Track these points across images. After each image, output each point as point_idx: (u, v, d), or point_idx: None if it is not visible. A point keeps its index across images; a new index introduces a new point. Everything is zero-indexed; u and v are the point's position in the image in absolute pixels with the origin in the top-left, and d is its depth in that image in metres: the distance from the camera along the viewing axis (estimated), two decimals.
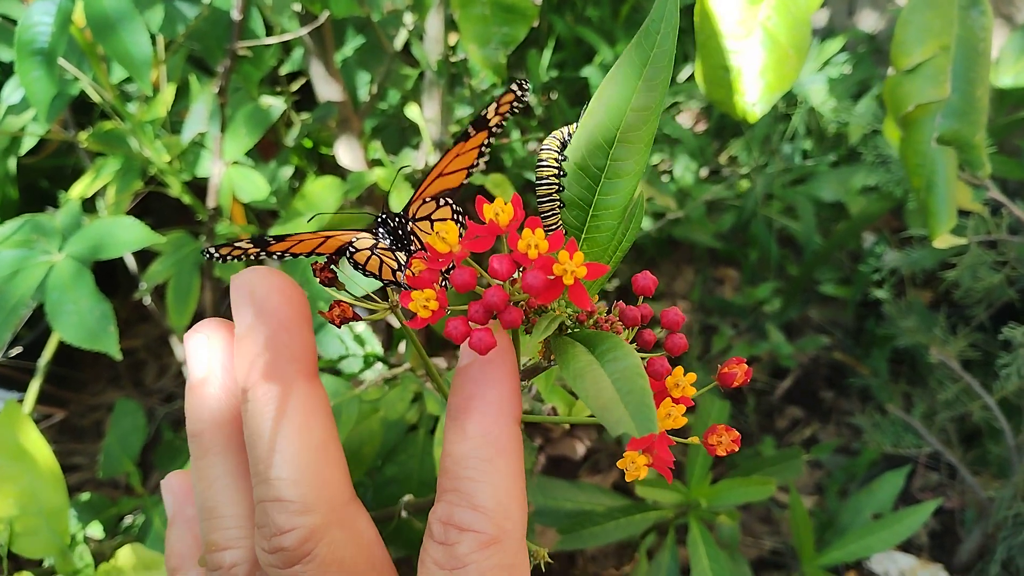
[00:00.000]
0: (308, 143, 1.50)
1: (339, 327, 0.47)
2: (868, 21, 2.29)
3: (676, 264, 2.18)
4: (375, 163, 1.47)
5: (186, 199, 1.29)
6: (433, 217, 0.45)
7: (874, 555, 1.40)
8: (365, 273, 0.45)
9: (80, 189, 1.31)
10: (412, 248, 0.45)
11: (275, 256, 0.44)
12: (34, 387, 1.27)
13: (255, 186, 1.23)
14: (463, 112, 1.32)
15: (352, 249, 0.45)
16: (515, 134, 1.82)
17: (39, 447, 1.01)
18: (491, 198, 0.42)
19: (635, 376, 0.36)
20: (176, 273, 1.29)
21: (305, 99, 1.56)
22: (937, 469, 1.57)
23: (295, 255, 0.44)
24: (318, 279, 0.47)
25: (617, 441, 1.77)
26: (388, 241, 0.45)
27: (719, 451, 0.42)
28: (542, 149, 0.45)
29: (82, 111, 1.60)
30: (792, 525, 1.05)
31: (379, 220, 0.45)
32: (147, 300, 1.47)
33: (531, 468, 0.88)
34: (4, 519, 0.98)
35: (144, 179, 1.31)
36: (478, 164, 0.46)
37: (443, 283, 0.43)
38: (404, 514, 0.76)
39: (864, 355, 1.87)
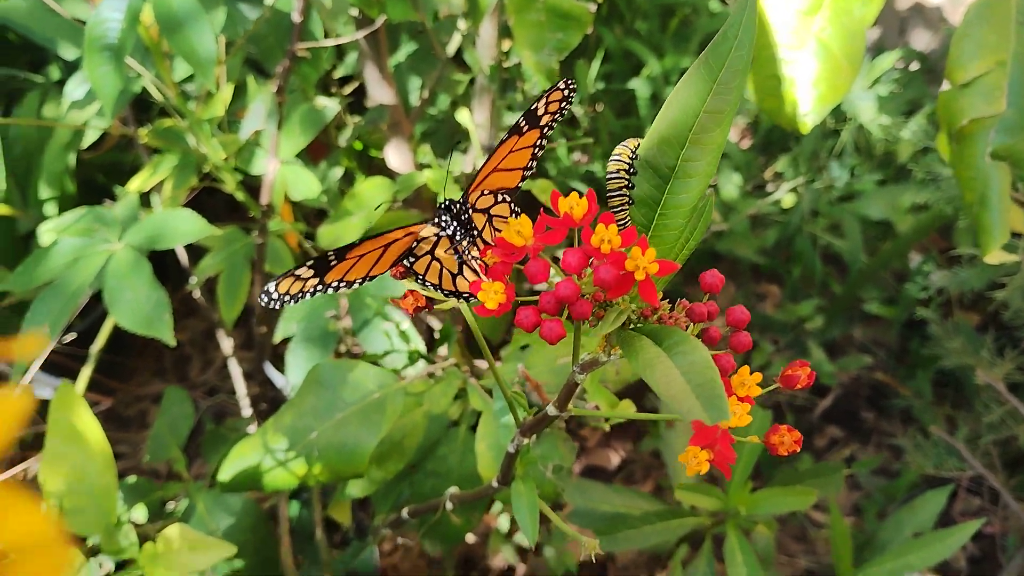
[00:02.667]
0: (358, 145, 1.52)
1: (412, 316, 0.48)
2: (920, 40, 2.27)
3: None
4: (423, 167, 1.49)
5: (239, 196, 1.32)
6: (492, 212, 0.46)
7: None
8: (425, 284, 0.47)
9: (138, 183, 1.34)
10: (475, 233, 0.46)
11: (335, 286, 0.44)
12: (85, 373, 1.30)
13: (307, 185, 1.26)
14: (512, 119, 1.33)
15: (412, 258, 0.46)
16: (561, 146, 1.83)
17: (92, 429, 1.04)
18: (547, 203, 0.43)
19: (706, 369, 0.37)
20: (227, 267, 1.31)
21: (357, 103, 1.58)
22: (979, 494, 1.54)
23: (350, 283, 0.45)
24: (392, 275, 0.48)
25: (654, 453, 1.77)
26: (452, 227, 0.46)
27: (781, 450, 0.43)
28: (613, 156, 0.46)
29: (141, 108, 1.65)
30: (832, 540, 1.04)
31: (442, 207, 0.46)
32: (196, 293, 1.50)
33: (569, 469, 0.88)
34: (54, 495, 1.00)
35: (199, 176, 1.34)
36: (532, 166, 0.47)
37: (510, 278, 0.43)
38: (449, 505, 0.78)
39: (907, 376, 1.85)
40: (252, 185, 1.38)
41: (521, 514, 0.60)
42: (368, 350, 1.14)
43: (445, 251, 0.46)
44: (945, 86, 0.91)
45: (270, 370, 1.52)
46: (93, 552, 1.06)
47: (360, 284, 0.46)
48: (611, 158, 0.47)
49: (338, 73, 1.55)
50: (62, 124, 1.36)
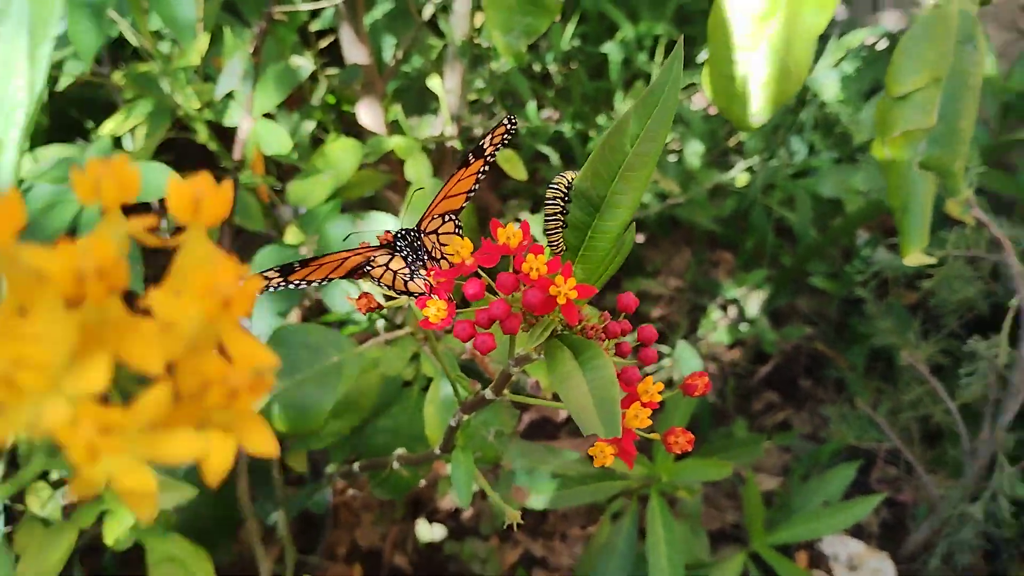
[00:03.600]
0: (331, 99, 1.55)
1: (365, 315, 0.54)
2: (891, 19, 2.32)
3: (675, 243, 2.25)
4: (394, 125, 1.53)
5: (212, 146, 1.36)
6: (440, 231, 0.53)
7: (826, 538, 1.50)
8: (380, 285, 0.53)
9: (111, 127, 1.37)
10: (424, 257, 0.53)
11: (296, 284, 0.51)
12: None
13: (279, 141, 1.29)
14: (481, 85, 1.37)
15: (370, 266, 0.52)
16: (531, 105, 1.87)
17: None
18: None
19: (609, 386, 0.43)
20: None
21: (332, 55, 1.61)
22: (896, 464, 1.66)
23: (310, 282, 0.51)
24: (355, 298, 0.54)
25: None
26: (406, 252, 0.52)
27: (675, 449, 0.50)
28: (551, 184, 0.52)
29: (117, 48, 1.65)
30: (745, 506, 1.14)
31: (398, 235, 0.52)
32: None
33: (512, 430, 0.96)
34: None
35: (172, 122, 1.37)
36: (475, 188, 0.53)
37: (451, 297, 0.50)
38: (396, 465, 0.85)
39: (845, 348, 1.95)
40: (224, 134, 1.41)
41: (458, 481, 0.67)
42: (331, 307, 1.20)
43: (398, 268, 0.53)
44: (883, 95, 0.98)
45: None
46: (58, 484, 1.12)
47: (319, 284, 0.53)
48: (549, 186, 0.53)
49: (315, 26, 1.57)
50: None
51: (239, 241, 1.41)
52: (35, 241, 0.88)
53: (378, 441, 1.03)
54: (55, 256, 0.26)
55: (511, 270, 0.48)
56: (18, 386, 0.25)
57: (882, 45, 2.18)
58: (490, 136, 0.52)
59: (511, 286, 0.47)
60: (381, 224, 1.26)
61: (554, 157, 1.99)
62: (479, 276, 0.48)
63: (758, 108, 0.99)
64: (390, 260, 0.53)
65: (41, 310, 0.26)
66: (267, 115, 1.31)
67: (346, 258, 0.52)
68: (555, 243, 0.53)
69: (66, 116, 1.80)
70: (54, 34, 0.48)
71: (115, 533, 0.99)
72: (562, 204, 0.52)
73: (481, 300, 0.48)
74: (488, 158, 0.52)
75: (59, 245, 0.27)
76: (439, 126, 1.44)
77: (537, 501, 1.01)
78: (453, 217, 0.53)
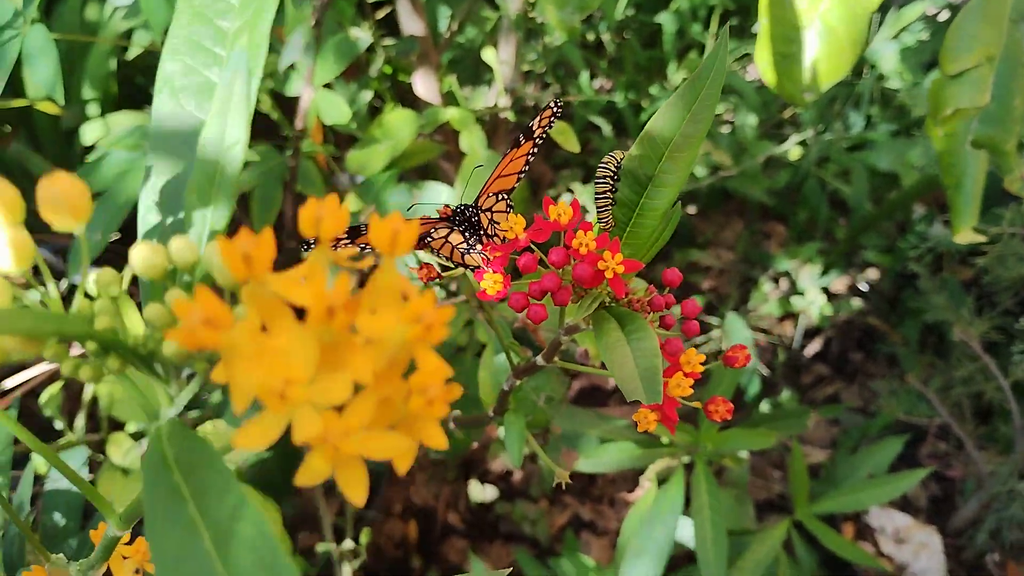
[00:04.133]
0: (388, 69, 1.59)
1: (425, 284, 0.58)
2: None
3: (726, 214, 2.25)
4: (449, 95, 1.56)
5: (275, 115, 1.40)
6: (493, 209, 0.56)
7: (872, 511, 1.52)
8: (438, 256, 0.57)
9: None
10: (481, 232, 0.56)
11: (362, 247, 0.55)
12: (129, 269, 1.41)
13: (338, 111, 1.34)
14: (534, 57, 1.39)
15: (430, 238, 0.56)
16: (584, 76, 1.88)
17: (138, 322, 1.16)
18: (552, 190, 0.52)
19: (652, 356, 0.46)
20: (261, 184, 1.41)
21: (389, 26, 1.64)
22: (946, 440, 1.66)
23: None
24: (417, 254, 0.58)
25: None
26: (463, 228, 0.56)
27: (715, 417, 0.53)
28: (601, 164, 0.55)
29: None
30: (791, 476, 1.16)
31: (457, 211, 0.56)
32: None
33: (562, 396, 1.00)
34: (106, 390, 1.13)
35: None
36: (526, 169, 0.56)
37: (506, 270, 0.53)
38: (452, 426, 0.89)
39: (897, 323, 1.94)
40: (285, 104, 1.46)
41: (510, 442, 0.71)
42: None
43: (456, 241, 0.56)
44: (937, 74, 0.98)
45: None
46: (138, 436, 1.20)
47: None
48: (599, 165, 0.55)
49: None
50: (104, 40, 1.43)
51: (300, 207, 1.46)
52: (109, 207, 0.93)
53: None
54: (304, 290, 0.31)
55: (562, 245, 0.51)
56: (286, 397, 0.30)
57: (943, 16, 2.13)
58: (538, 119, 0.55)
59: (562, 261, 0.50)
60: (437, 194, 1.30)
61: (606, 128, 2.00)
62: (532, 251, 0.52)
63: (810, 85, 0.99)
64: (449, 233, 0.56)
65: (283, 329, 0.31)
66: (327, 86, 1.35)
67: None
68: (605, 219, 0.56)
69: (133, 83, 1.86)
70: (260, 75, 0.54)
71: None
72: (612, 182, 0.55)
73: (534, 273, 0.51)
74: (537, 140, 0.55)
75: (304, 277, 0.32)
76: (493, 97, 1.46)
77: (585, 464, 1.05)
78: (505, 196, 0.56)
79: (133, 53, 1.45)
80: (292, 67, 1.39)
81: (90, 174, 1.19)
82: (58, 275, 1.61)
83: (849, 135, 2.00)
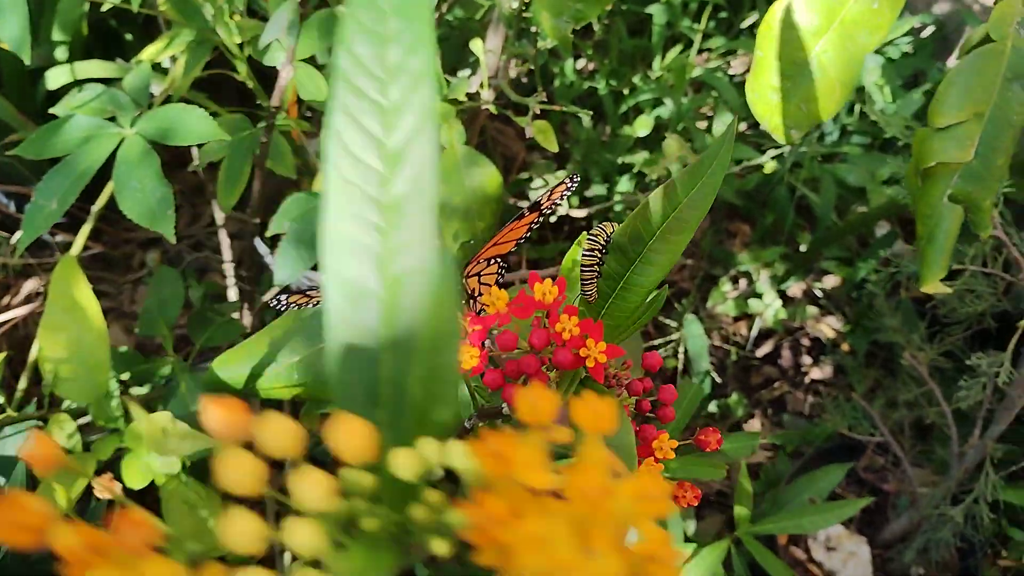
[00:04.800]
0: None
1: None
2: (944, 7, 2.27)
3: None
4: None
5: (251, 84, 1.36)
6: (483, 273, 0.55)
7: None
8: None
9: (151, 52, 1.36)
10: (469, 302, 0.55)
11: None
12: (85, 230, 1.37)
13: (316, 86, 1.30)
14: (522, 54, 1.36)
15: None
16: (569, 62, 1.86)
17: (90, 303, 1.13)
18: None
19: (628, 458, 0.46)
20: (230, 154, 1.37)
21: None
22: (884, 454, 1.71)
23: None
24: None
25: None
26: None
27: (682, 503, 0.53)
28: (590, 236, 0.54)
29: None
30: (736, 495, 1.19)
31: None
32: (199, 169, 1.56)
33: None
34: (52, 360, 1.10)
35: (212, 56, 1.37)
36: (527, 237, 0.55)
37: (485, 344, 0.52)
38: None
39: (848, 334, 1.98)
40: (262, 72, 1.41)
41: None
42: None
43: None
44: (923, 127, 0.98)
45: (260, 247, 1.61)
46: (77, 415, 1.17)
47: None
48: (588, 237, 0.55)
49: None
50: None
51: (268, 185, 1.43)
52: (69, 174, 0.90)
53: None
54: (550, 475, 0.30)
55: (543, 327, 0.51)
56: None
57: (927, 32, 2.14)
58: (549, 192, 0.54)
59: (542, 344, 0.49)
60: None
61: (586, 119, 1.98)
62: (510, 329, 0.51)
63: (797, 122, 0.99)
64: None
65: (536, 514, 0.30)
66: (307, 60, 1.31)
67: None
68: (589, 291, 0.55)
69: (105, 25, 1.79)
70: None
71: (133, 471, 1.04)
72: (600, 255, 0.54)
73: (513, 352, 0.50)
74: (544, 211, 0.54)
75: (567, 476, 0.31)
76: (475, 84, 1.43)
77: None
78: (499, 260, 0.55)
79: (108, 4, 1.38)
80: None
81: (52, 136, 1.14)
82: (11, 227, 1.55)
83: (824, 144, 2.01)
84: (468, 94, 1.41)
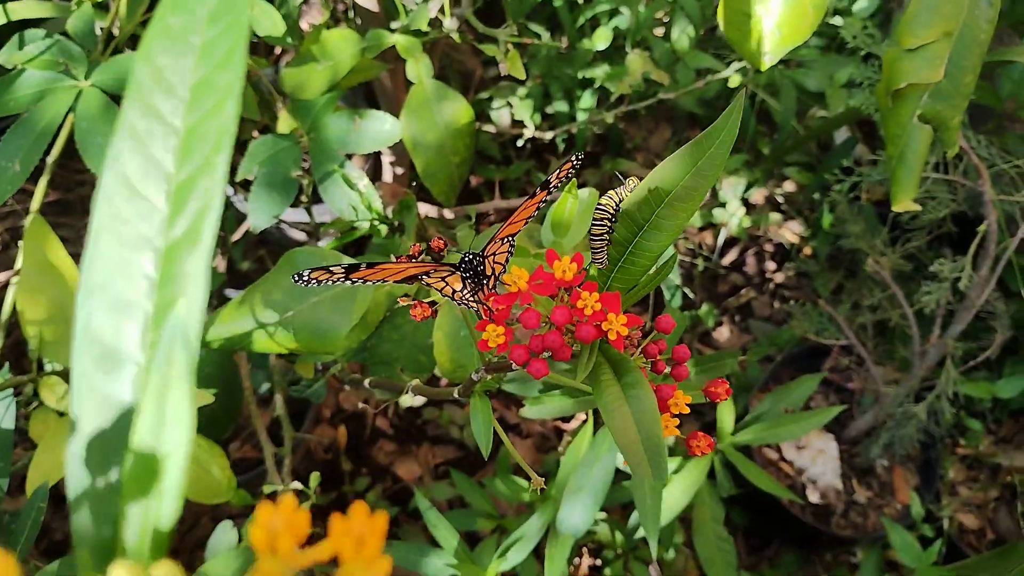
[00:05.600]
0: None
1: (419, 320, 0.58)
2: None
3: (656, 120, 2.25)
4: (388, 2, 1.48)
5: None
6: (497, 252, 0.55)
7: None
8: (428, 287, 0.57)
9: None
10: (484, 282, 0.56)
11: (358, 281, 0.54)
12: (43, 183, 1.33)
13: (272, 22, 1.25)
14: None
15: (426, 276, 0.55)
16: None
17: (65, 264, 1.11)
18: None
19: (653, 422, 0.49)
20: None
21: None
22: (849, 355, 1.78)
23: (366, 281, 0.55)
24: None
25: None
26: (468, 275, 0.55)
27: (696, 452, 0.56)
28: (599, 206, 0.55)
29: None
30: (718, 412, 1.24)
31: (464, 260, 0.55)
32: None
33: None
34: (34, 323, 1.09)
35: None
36: (535, 214, 0.56)
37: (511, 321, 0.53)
38: (410, 395, 0.90)
39: (811, 238, 2.02)
40: None
41: (478, 428, 0.73)
42: (330, 204, 1.21)
43: (456, 287, 0.56)
44: (892, 46, 0.99)
45: (235, 197, 1.58)
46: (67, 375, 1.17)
47: (375, 283, 0.56)
48: (598, 206, 0.55)
49: None
50: None
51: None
52: (28, 133, 0.87)
53: (382, 350, 1.08)
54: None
55: (563, 302, 0.52)
56: None
57: None
58: (557, 171, 0.54)
59: (565, 320, 0.50)
60: (381, 124, 1.25)
61: (545, 35, 1.94)
62: (534, 307, 0.52)
63: (771, 47, 0.99)
64: (449, 275, 0.56)
65: None
66: None
67: (410, 268, 0.55)
68: (600, 260, 0.56)
69: None
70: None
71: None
72: (609, 224, 0.55)
73: (538, 329, 0.52)
74: (552, 189, 0.54)
75: None
76: (435, 9, 1.39)
77: (529, 412, 1.09)
78: (510, 239, 0.55)
79: None
80: None
81: (3, 94, 1.09)
82: None
83: None
84: (429, 22, 1.37)
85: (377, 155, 1.81)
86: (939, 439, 1.62)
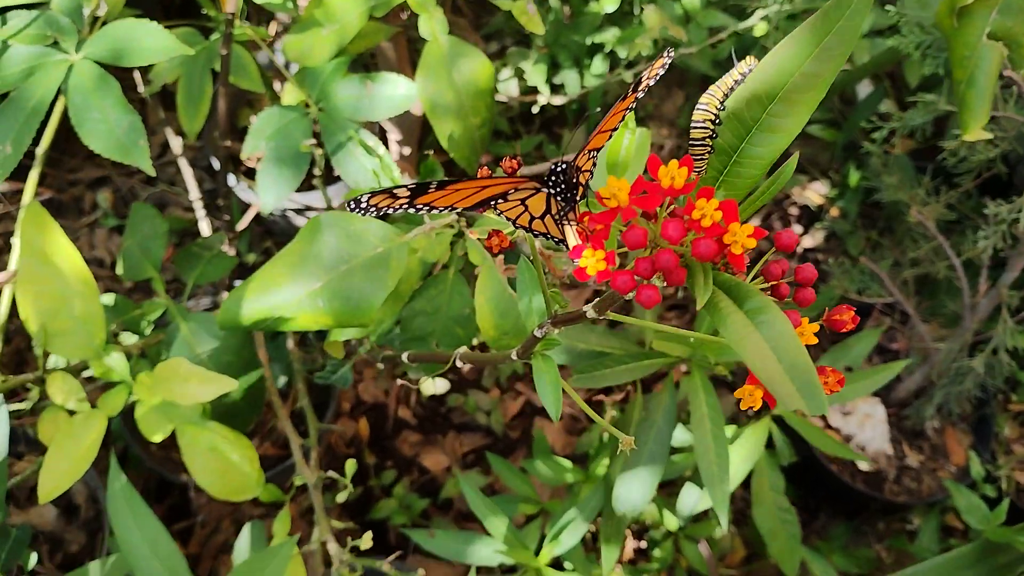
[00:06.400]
0: None
1: (494, 255, 0.50)
2: None
3: (667, 86, 2.17)
4: None
5: None
6: (584, 166, 0.47)
7: None
8: (500, 215, 0.48)
9: None
10: (576, 196, 0.47)
11: (418, 208, 0.46)
12: (34, 175, 1.24)
13: None
14: None
15: (501, 200, 0.47)
16: None
17: (67, 252, 1.03)
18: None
19: (795, 348, 0.40)
20: (186, 73, 1.24)
21: None
22: (890, 314, 1.70)
23: (433, 208, 0.46)
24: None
25: None
26: (560, 190, 0.47)
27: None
28: (699, 106, 0.46)
29: None
30: None
31: (554, 169, 0.47)
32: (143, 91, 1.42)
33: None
34: (37, 317, 1.00)
35: None
36: (625, 118, 0.47)
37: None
38: (460, 363, 0.82)
39: (837, 197, 1.94)
40: None
41: (545, 392, 0.65)
42: (344, 177, 1.13)
43: (535, 207, 0.48)
44: None
45: (238, 186, 1.49)
46: (79, 373, 1.08)
47: (441, 211, 0.48)
48: (697, 107, 0.47)
49: None
50: None
51: (235, 100, 1.31)
52: (18, 112, 0.79)
53: (415, 324, 1.00)
54: None
55: (671, 214, 0.44)
56: None
57: None
58: (648, 70, 0.46)
59: (680, 235, 0.42)
60: (395, 87, 1.17)
61: (555, 2, 1.86)
62: (641, 225, 0.44)
63: None
64: (529, 196, 0.47)
65: None
66: None
67: (486, 186, 0.47)
68: (700, 169, 0.48)
69: None
70: None
71: (151, 423, 0.96)
72: (712, 127, 0.47)
73: (641, 249, 0.43)
74: (640, 93, 0.46)
75: None
76: None
77: (579, 380, 1.00)
78: (594, 153, 0.47)
79: None
80: None
81: None
82: None
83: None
84: None
85: (383, 133, 1.73)
86: (993, 396, 1.54)
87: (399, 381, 1.00)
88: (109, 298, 1.12)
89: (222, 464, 0.94)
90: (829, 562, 1.38)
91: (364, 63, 1.77)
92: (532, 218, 0.48)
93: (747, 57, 0.47)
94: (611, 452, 1.12)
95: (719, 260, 0.43)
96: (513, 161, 0.49)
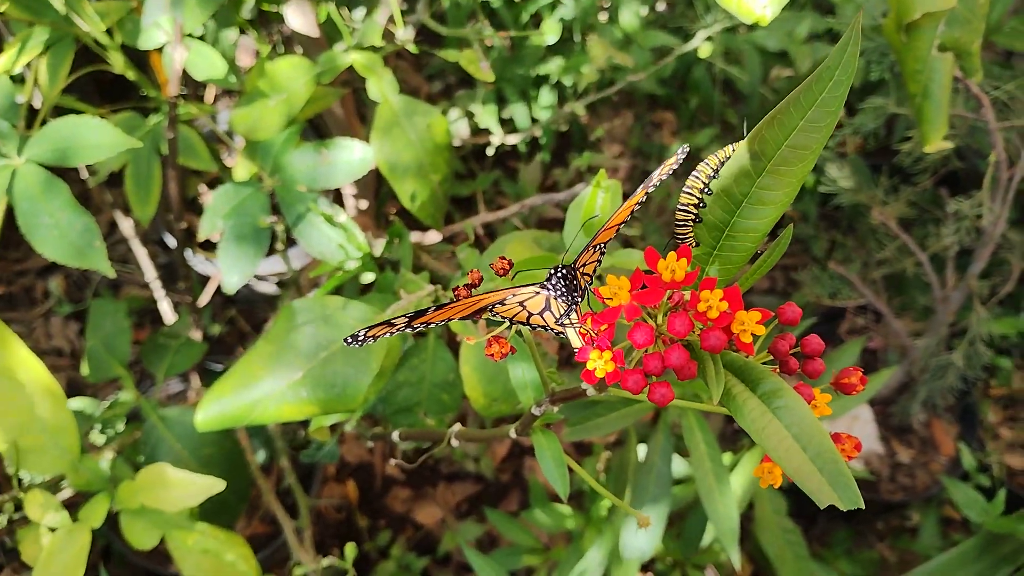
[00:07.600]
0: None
1: (497, 361, 0.48)
2: None
3: (614, 107, 2.17)
4: (329, 26, 1.38)
5: (131, 75, 1.19)
6: (587, 263, 0.46)
7: None
8: (495, 315, 0.47)
9: (5, 63, 1.17)
10: (578, 297, 0.46)
11: (415, 328, 0.45)
12: None
13: (211, 64, 1.14)
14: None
15: (499, 304, 0.46)
16: None
17: (30, 364, 0.99)
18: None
19: (818, 435, 0.39)
20: (133, 160, 1.21)
21: None
22: (863, 315, 1.71)
23: (430, 324, 0.45)
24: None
25: None
26: (560, 292, 0.45)
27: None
28: (685, 189, 0.45)
29: None
30: None
31: (555, 272, 0.45)
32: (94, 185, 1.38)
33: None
34: (8, 431, 0.96)
35: (79, 52, 1.19)
36: (633, 214, 0.46)
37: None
38: (455, 443, 0.80)
39: (795, 201, 1.96)
40: (140, 59, 1.24)
41: (548, 467, 0.63)
42: (308, 249, 1.11)
43: (535, 307, 0.46)
44: None
45: (195, 260, 1.46)
46: (56, 484, 1.04)
47: (438, 324, 0.47)
48: (684, 189, 0.46)
49: None
50: None
51: (189, 180, 1.28)
52: None
53: (400, 396, 0.98)
54: None
55: (675, 307, 0.42)
56: None
57: None
58: (661, 167, 0.45)
59: (686, 330, 0.41)
60: (350, 152, 1.15)
61: (497, 40, 1.85)
62: (644, 320, 0.42)
63: (768, 1, 0.91)
64: (531, 299, 0.46)
65: None
66: (191, 35, 1.14)
67: (483, 298, 0.45)
68: (684, 236, 0.47)
69: None
70: None
71: (138, 532, 0.93)
72: (697, 206, 0.46)
73: (650, 347, 0.42)
74: (651, 188, 0.44)
75: None
76: (383, 19, 1.29)
77: (572, 433, 0.99)
78: (600, 247, 0.46)
79: None
80: (137, 12, 1.17)
81: None
82: None
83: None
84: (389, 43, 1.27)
85: (337, 191, 1.70)
86: (973, 384, 1.56)
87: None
88: (78, 402, 1.08)
89: (216, 564, 0.90)
90: (835, 569, 1.38)
91: (312, 121, 1.74)
92: (531, 314, 0.47)
93: (726, 147, 0.46)
94: (611, 489, 1.10)
95: (726, 346, 0.42)
96: (476, 274, 0.47)
